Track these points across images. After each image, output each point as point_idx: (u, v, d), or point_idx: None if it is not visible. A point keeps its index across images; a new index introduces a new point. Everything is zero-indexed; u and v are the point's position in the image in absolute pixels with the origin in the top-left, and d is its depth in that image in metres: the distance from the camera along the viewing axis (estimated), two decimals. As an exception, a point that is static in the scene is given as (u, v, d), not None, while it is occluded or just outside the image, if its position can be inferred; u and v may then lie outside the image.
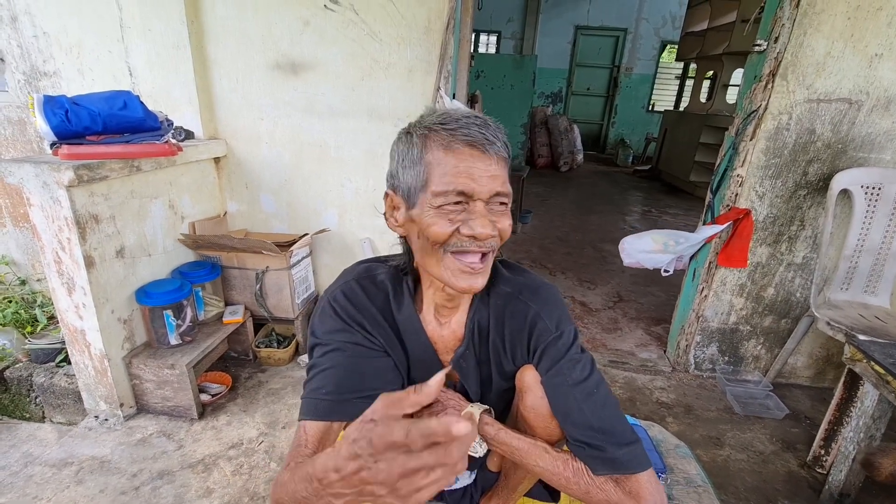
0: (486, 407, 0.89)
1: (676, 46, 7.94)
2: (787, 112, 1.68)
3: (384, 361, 0.85)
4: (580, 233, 4.12)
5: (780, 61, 1.62)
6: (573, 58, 8.77)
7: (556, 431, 0.84)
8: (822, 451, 1.58)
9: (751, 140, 1.73)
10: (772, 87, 1.65)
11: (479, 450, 0.88)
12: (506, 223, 0.73)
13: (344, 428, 0.80)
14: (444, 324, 0.87)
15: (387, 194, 0.78)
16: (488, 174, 0.68)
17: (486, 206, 0.70)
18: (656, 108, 8.95)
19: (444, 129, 0.70)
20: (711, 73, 6.18)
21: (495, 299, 0.86)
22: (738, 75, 5.74)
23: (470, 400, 0.92)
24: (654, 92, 8.99)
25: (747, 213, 1.77)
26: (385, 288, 0.85)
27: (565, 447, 0.84)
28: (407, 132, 0.75)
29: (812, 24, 1.56)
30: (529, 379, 0.85)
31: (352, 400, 0.77)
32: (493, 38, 8.94)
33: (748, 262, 1.85)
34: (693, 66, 7.25)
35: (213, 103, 1.97)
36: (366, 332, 0.83)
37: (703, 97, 6.31)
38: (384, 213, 0.80)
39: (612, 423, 0.77)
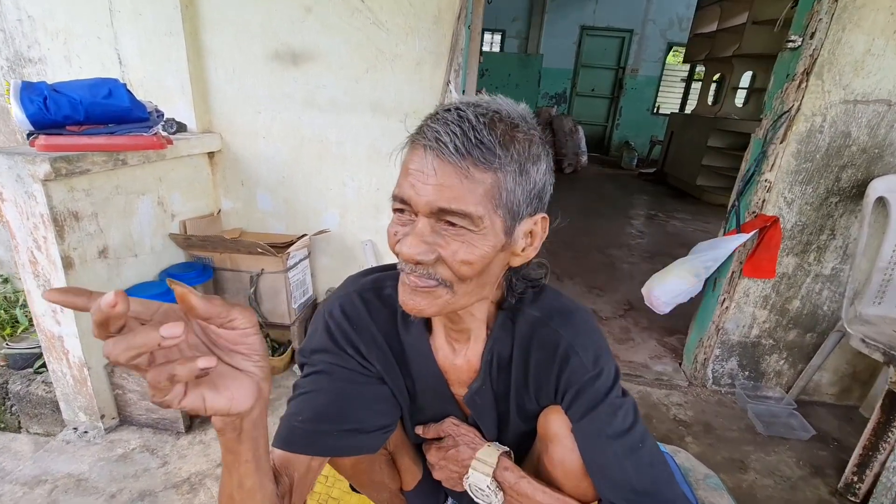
0: (506, 449, 0.77)
1: (683, 48, 7.86)
2: (821, 113, 1.57)
3: (377, 390, 0.74)
4: (586, 237, 4.00)
5: (816, 59, 1.51)
6: (578, 58, 8.67)
7: (590, 492, 0.71)
8: (855, 478, 1.47)
9: (781, 143, 1.61)
10: (806, 86, 1.54)
11: (493, 499, 0.75)
12: (455, 252, 0.56)
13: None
14: (457, 351, 0.75)
15: None
16: (434, 183, 0.53)
17: (431, 224, 0.56)
18: (661, 111, 8.85)
19: (421, 125, 0.58)
20: (719, 75, 6.07)
21: (521, 326, 0.72)
22: (747, 78, 5.65)
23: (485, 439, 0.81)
24: (660, 94, 8.89)
25: (775, 220, 1.66)
26: (392, 304, 0.73)
27: None
28: None
29: (851, 20, 1.45)
30: (557, 426, 0.71)
31: (330, 433, 0.66)
32: (497, 37, 8.83)
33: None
34: (700, 68, 7.17)
35: (207, 95, 1.85)
36: (360, 357, 0.72)
37: (710, 100, 6.20)
38: None
39: (659, 487, 0.65)
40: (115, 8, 1.71)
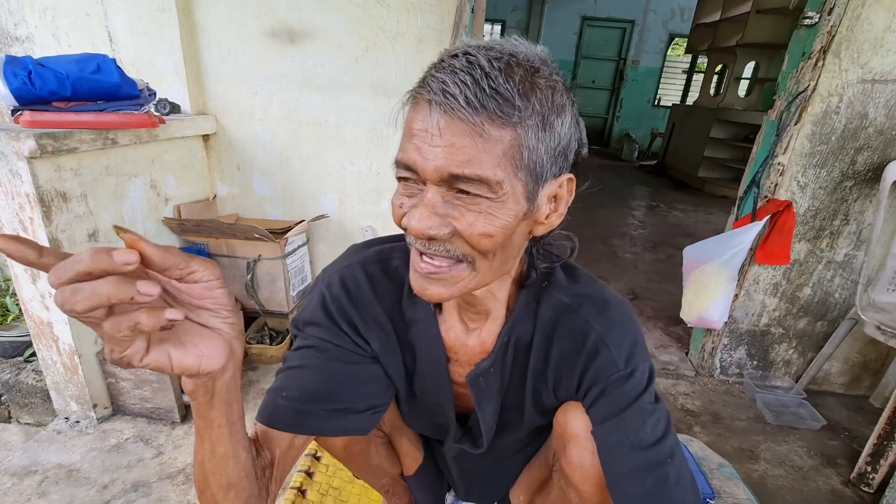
0: None
1: (685, 39, 7.78)
2: (837, 93, 1.51)
3: (370, 369, 0.68)
4: (588, 227, 3.96)
5: (834, 36, 1.45)
6: (579, 49, 8.58)
7: (609, 500, 0.64)
8: (869, 469, 1.44)
9: (795, 124, 1.56)
10: (822, 64, 1.49)
11: None
12: (472, 223, 0.49)
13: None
14: (472, 330, 0.68)
15: None
16: (443, 145, 0.46)
17: (444, 192, 0.49)
18: (662, 103, 8.77)
19: (423, 75, 0.50)
20: (721, 66, 6.01)
21: (545, 310, 0.65)
22: (749, 69, 5.59)
23: (478, 441, 0.75)
24: (661, 86, 8.81)
25: (788, 205, 1.61)
26: (399, 278, 0.67)
27: None
28: None
29: (872, -6, 1.40)
30: (577, 425, 0.64)
31: (316, 413, 0.62)
32: (497, 28, 8.73)
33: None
34: (701, 59, 7.10)
35: (201, 74, 1.79)
36: (355, 335, 0.66)
37: (712, 91, 6.14)
38: None
39: None
40: (104, -18, 1.64)
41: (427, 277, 0.53)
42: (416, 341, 0.69)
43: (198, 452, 0.50)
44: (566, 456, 0.66)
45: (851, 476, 1.48)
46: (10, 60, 1.25)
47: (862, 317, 1.56)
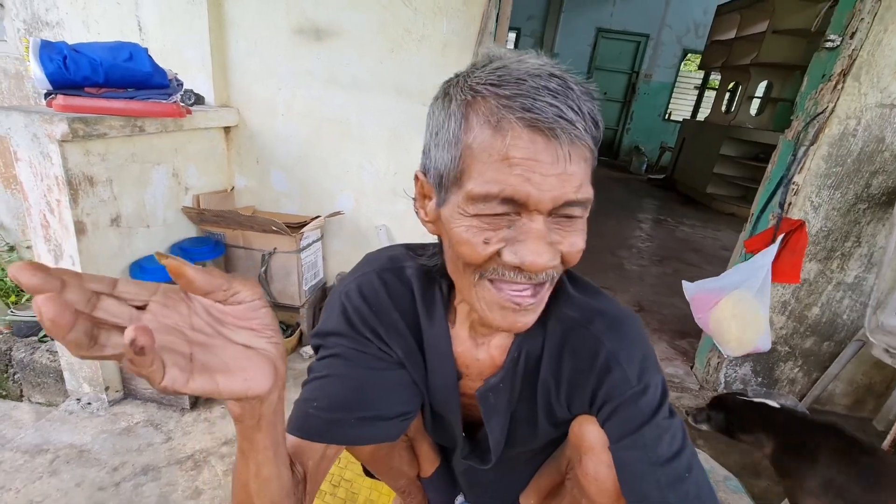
0: None
1: (698, 55, 7.80)
2: (855, 116, 1.53)
3: (398, 375, 0.68)
4: (597, 238, 3.97)
5: (855, 60, 1.47)
6: (592, 60, 8.61)
7: None
8: (872, 490, 1.44)
9: (812, 145, 1.58)
10: (842, 87, 1.50)
11: None
12: (574, 243, 0.50)
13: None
14: (481, 344, 0.68)
15: (416, 176, 0.57)
16: (557, 173, 0.45)
17: (547, 221, 0.48)
18: (673, 117, 8.79)
19: (496, 93, 0.46)
20: (734, 84, 6.03)
21: (555, 324, 0.64)
22: (762, 87, 5.60)
23: (486, 456, 0.75)
24: (672, 100, 8.83)
25: (801, 224, 1.63)
26: (412, 287, 0.67)
27: None
28: (446, 92, 0.52)
29: (894, 20, 1.41)
30: (593, 437, 0.64)
31: (348, 420, 0.61)
32: (512, 35, 8.77)
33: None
34: (714, 76, 7.12)
35: (227, 68, 1.82)
36: (379, 341, 0.66)
37: (724, 108, 6.16)
38: (413, 199, 0.60)
39: None
40: (137, -27, 1.68)
41: (526, 311, 0.52)
42: (429, 353, 0.69)
43: (241, 474, 0.49)
44: (582, 467, 0.66)
45: (854, 497, 1.48)
46: (46, 45, 1.27)
47: (870, 339, 1.57)
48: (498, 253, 0.49)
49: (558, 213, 0.48)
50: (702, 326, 1.73)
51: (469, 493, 0.91)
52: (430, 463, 0.90)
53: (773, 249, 1.60)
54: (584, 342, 0.63)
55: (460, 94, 0.49)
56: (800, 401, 1.90)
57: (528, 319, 0.54)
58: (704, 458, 1.49)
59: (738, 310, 1.59)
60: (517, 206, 0.47)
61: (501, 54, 0.49)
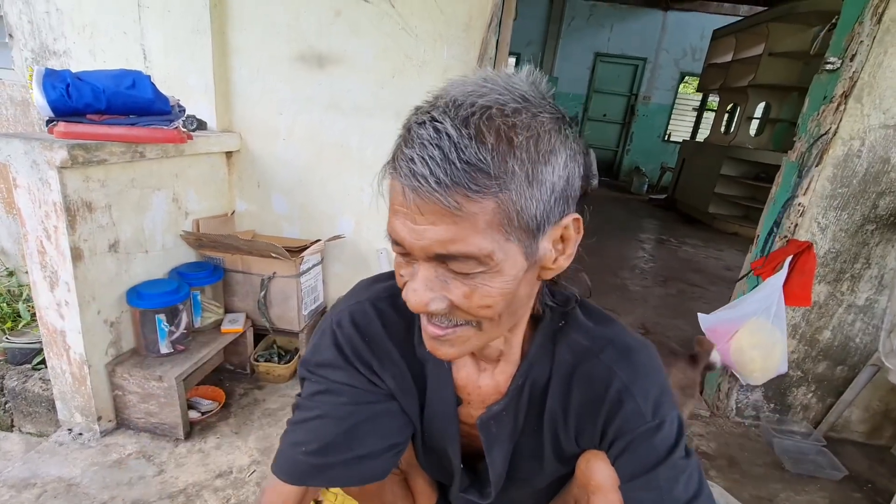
0: None
1: (696, 78, 7.92)
2: (859, 137, 1.52)
3: (388, 407, 0.65)
4: (597, 258, 3.94)
5: (856, 81, 1.47)
6: (591, 84, 8.75)
7: None
8: (896, 525, 1.37)
9: (816, 166, 1.57)
10: (844, 109, 1.50)
11: None
12: (468, 295, 0.47)
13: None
14: (484, 370, 0.65)
15: None
16: (420, 225, 0.44)
17: (434, 268, 0.47)
18: (672, 138, 8.87)
19: (399, 140, 0.46)
20: (732, 105, 6.09)
21: (564, 353, 0.62)
22: (761, 108, 5.66)
23: (486, 490, 0.72)
24: (671, 122, 8.93)
25: (809, 246, 1.60)
26: (409, 315, 0.64)
27: None
28: None
29: (894, 43, 1.42)
30: (602, 476, 0.60)
31: (338, 464, 0.60)
32: (512, 60, 8.94)
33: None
34: (712, 98, 7.21)
35: (229, 94, 1.83)
36: (370, 373, 0.64)
37: (723, 129, 6.21)
38: None
39: None
40: (143, 3, 1.71)
41: (437, 339, 0.52)
42: (428, 381, 0.66)
43: None
44: None
45: (877, 532, 1.41)
46: (50, 73, 1.28)
47: (885, 363, 1.52)
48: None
49: (441, 263, 0.47)
50: (721, 356, 1.68)
51: None
52: (426, 498, 0.86)
53: (784, 273, 1.57)
54: (596, 372, 0.60)
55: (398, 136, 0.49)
56: (814, 427, 1.83)
57: (444, 350, 0.53)
58: (719, 493, 1.42)
59: (758, 338, 1.56)
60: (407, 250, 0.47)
61: (442, 91, 0.47)
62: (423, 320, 0.53)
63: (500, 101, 0.43)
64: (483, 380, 0.65)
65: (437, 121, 0.42)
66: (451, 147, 0.41)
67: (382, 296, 0.66)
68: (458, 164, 0.41)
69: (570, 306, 0.63)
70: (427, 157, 0.41)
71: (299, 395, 0.67)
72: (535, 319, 0.63)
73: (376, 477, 0.65)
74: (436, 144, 0.41)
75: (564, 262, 0.52)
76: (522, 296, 0.52)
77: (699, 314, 1.72)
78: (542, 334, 0.62)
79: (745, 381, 1.69)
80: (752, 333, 1.56)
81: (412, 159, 0.42)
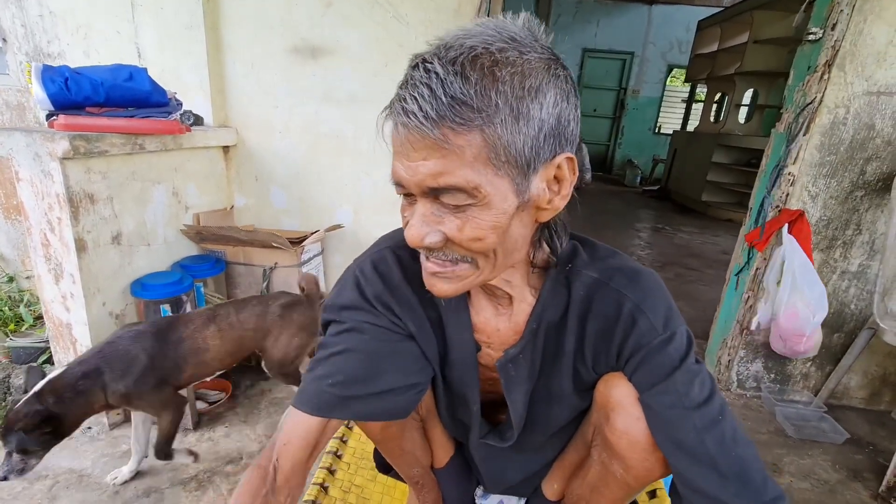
0: None
1: (683, 70, 8.00)
2: (843, 105, 1.56)
3: (410, 347, 0.68)
4: (595, 247, 3.98)
5: (838, 50, 1.51)
6: (580, 79, 8.80)
7: (656, 466, 0.63)
8: (898, 481, 1.40)
9: (804, 135, 1.60)
10: (828, 78, 1.53)
11: None
12: (460, 227, 0.50)
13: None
14: (502, 314, 0.67)
15: None
16: (413, 161, 0.47)
17: (429, 203, 0.50)
18: (663, 130, 8.95)
19: (399, 86, 0.49)
20: (720, 94, 6.16)
21: (577, 288, 0.64)
22: (748, 96, 5.73)
23: (507, 433, 0.75)
24: (661, 114, 9.01)
25: (800, 214, 1.63)
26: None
27: None
28: None
29: (873, 11, 1.46)
30: (621, 393, 0.63)
31: (361, 397, 0.62)
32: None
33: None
34: (700, 89, 7.29)
35: (224, 89, 1.85)
36: (392, 315, 0.66)
37: (712, 117, 6.27)
38: None
39: (746, 467, 0.56)
40: (137, 2, 1.73)
41: (434, 276, 0.55)
42: (448, 327, 0.69)
43: None
44: (610, 425, 0.64)
45: (880, 490, 1.43)
46: (48, 68, 1.30)
47: (881, 325, 1.55)
48: None
49: (436, 198, 0.49)
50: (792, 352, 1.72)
51: (488, 482, 0.87)
52: (444, 451, 0.87)
53: (793, 247, 1.59)
54: (608, 299, 0.63)
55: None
56: (815, 395, 1.86)
57: (440, 286, 0.56)
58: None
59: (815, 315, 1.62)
60: (407, 189, 0.50)
61: (439, 40, 0.49)
62: (422, 258, 0.56)
63: (486, 41, 0.45)
64: (501, 323, 0.67)
65: (427, 62, 0.45)
66: (438, 84, 0.43)
67: (402, 244, 0.67)
68: (444, 100, 0.43)
69: (574, 247, 0.66)
70: (417, 96, 0.44)
71: (322, 336, 0.69)
72: (545, 266, 0.65)
73: (398, 414, 0.66)
74: (425, 83, 0.44)
75: (560, 203, 0.54)
76: (516, 235, 0.54)
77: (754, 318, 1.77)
78: (554, 277, 0.65)
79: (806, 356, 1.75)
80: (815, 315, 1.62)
81: (404, 98, 0.45)
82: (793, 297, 1.62)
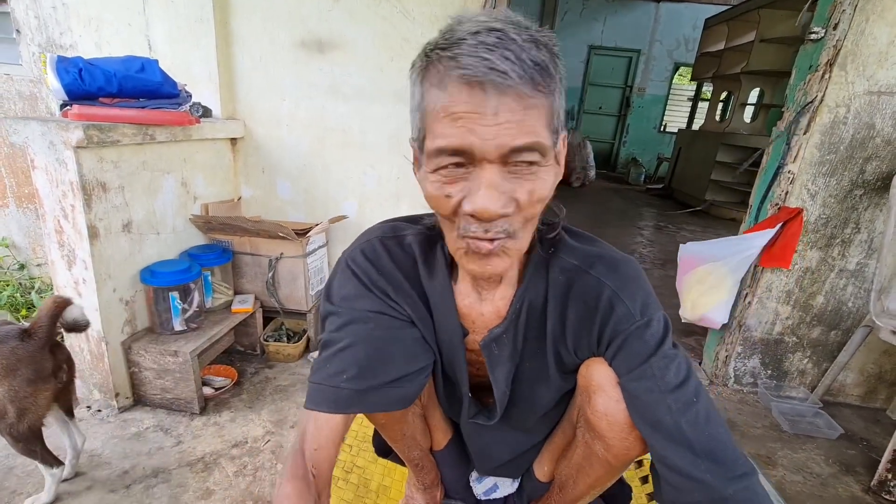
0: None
1: (689, 68, 7.97)
2: (844, 105, 1.57)
3: (412, 332, 0.69)
4: (597, 244, 4.00)
5: (839, 50, 1.52)
6: (586, 77, 8.79)
7: (635, 445, 0.67)
8: (890, 476, 1.42)
9: (804, 134, 1.62)
10: (829, 77, 1.55)
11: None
12: (533, 190, 0.51)
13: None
14: (485, 299, 0.69)
15: (410, 144, 0.62)
16: (497, 123, 0.47)
17: (501, 171, 0.50)
18: (668, 129, 8.93)
19: (441, 55, 0.49)
20: (726, 93, 6.14)
21: (556, 273, 0.66)
22: (754, 95, 5.71)
23: (488, 403, 0.77)
24: (667, 112, 8.98)
25: (799, 212, 1.65)
26: (412, 252, 0.69)
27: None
28: (413, 62, 0.55)
29: (875, 11, 1.47)
30: (601, 376, 0.66)
31: (379, 388, 0.63)
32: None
33: (791, 264, 1.71)
34: (706, 87, 7.26)
35: (233, 82, 1.88)
36: (389, 300, 0.68)
37: (717, 116, 6.26)
38: (412, 164, 0.64)
39: (718, 446, 0.59)
40: (148, -5, 1.76)
41: (488, 256, 0.55)
42: (435, 310, 0.71)
43: None
44: (592, 406, 0.68)
45: (872, 484, 1.46)
46: (63, 59, 1.34)
47: (877, 322, 1.57)
48: (460, 204, 0.52)
49: (512, 160, 0.50)
50: (677, 286, 1.80)
51: (480, 463, 0.90)
52: (443, 434, 0.90)
53: (769, 233, 1.63)
54: (587, 286, 0.65)
55: (418, 62, 0.53)
56: (811, 392, 1.88)
57: (497, 263, 0.56)
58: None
59: (708, 278, 1.65)
60: (468, 157, 0.50)
61: (461, 19, 0.51)
62: (467, 241, 0.54)
63: (528, 25, 0.50)
64: (485, 307, 0.70)
65: (496, 29, 0.47)
66: (519, 49, 0.47)
67: (388, 234, 0.71)
68: (528, 62, 0.47)
69: (557, 233, 0.68)
70: (503, 57, 0.46)
71: (323, 334, 0.70)
72: (528, 249, 0.68)
73: (409, 400, 0.68)
74: (504, 47, 0.46)
75: (559, 177, 0.58)
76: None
77: (681, 244, 1.81)
78: (536, 260, 0.68)
79: (681, 314, 1.86)
80: (706, 273, 1.65)
81: (488, 59, 0.46)
82: (720, 253, 1.72)
